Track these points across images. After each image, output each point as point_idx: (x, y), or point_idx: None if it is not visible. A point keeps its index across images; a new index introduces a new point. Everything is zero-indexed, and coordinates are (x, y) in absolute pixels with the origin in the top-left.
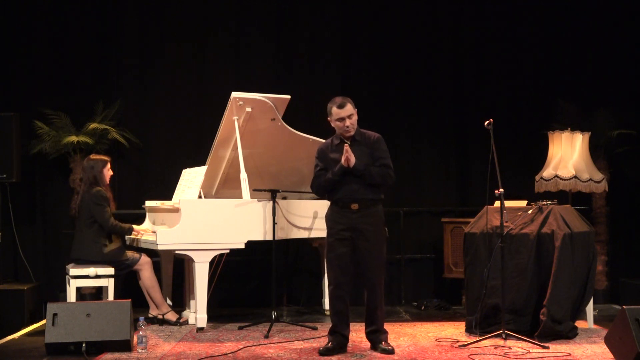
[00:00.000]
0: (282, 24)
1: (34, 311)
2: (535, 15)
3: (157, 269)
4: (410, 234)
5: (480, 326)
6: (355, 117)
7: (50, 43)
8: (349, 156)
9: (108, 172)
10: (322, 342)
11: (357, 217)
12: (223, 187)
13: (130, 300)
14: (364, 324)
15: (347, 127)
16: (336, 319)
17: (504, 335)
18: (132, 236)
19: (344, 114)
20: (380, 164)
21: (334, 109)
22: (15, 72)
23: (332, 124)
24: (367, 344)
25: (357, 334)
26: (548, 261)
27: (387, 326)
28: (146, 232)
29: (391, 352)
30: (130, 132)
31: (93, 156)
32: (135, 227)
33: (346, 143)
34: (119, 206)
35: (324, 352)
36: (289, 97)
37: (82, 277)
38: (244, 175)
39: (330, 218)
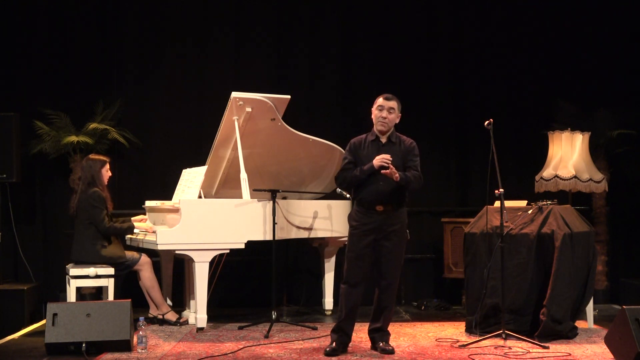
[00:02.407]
0: (282, 24)
1: (34, 311)
2: (535, 15)
3: (157, 269)
4: (410, 233)
5: (480, 326)
6: (394, 116)
7: (50, 43)
8: (393, 172)
9: (107, 173)
10: (322, 341)
11: (382, 219)
12: (223, 187)
13: (130, 300)
14: (365, 324)
15: (384, 118)
16: (346, 316)
17: (504, 335)
18: (133, 236)
19: (385, 104)
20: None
21: (380, 98)
22: (15, 72)
23: (373, 114)
24: (367, 344)
25: (357, 334)
26: (548, 261)
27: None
28: (149, 230)
29: (391, 352)
30: (130, 132)
31: (92, 156)
32: (136, 224)
33: (386, 157)
34: (119, 206)
35: (331, 352)
36: (289, 97)
37: (82, 277)
38: (244, 175)
39: (354, 218)
